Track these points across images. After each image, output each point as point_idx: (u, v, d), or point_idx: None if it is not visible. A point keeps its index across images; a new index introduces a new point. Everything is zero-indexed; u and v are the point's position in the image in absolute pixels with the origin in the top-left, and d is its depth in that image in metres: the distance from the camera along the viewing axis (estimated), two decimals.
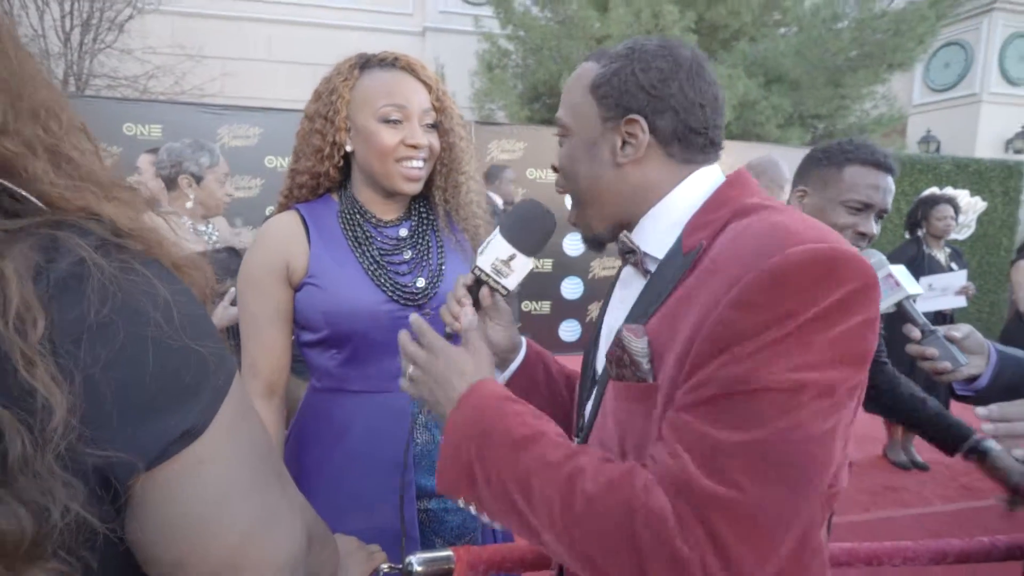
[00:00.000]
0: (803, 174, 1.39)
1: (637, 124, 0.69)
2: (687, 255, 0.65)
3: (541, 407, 0.75)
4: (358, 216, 1.06)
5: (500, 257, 0.79)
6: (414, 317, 0.78)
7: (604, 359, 0.70)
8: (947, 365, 1.10)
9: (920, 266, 3.40)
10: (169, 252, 0.46)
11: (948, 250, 3.55)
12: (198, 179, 2.01)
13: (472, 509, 0.66)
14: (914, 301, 1.20)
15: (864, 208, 1.28)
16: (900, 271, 1.21)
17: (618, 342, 0.64)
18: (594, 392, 0.75)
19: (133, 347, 0.40)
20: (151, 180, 2.40)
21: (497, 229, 0.80)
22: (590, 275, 5.79)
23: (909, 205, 3.78)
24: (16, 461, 0.35)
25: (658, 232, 0.71)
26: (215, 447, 0.43)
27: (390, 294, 1.02)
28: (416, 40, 10.77)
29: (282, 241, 1.01)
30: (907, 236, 3.65)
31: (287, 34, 10.29)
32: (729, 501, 0.52)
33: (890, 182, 1.30)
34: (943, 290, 3.32)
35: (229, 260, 2.07)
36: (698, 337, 0.57)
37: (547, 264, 5.69)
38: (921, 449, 3.82)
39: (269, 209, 4.83)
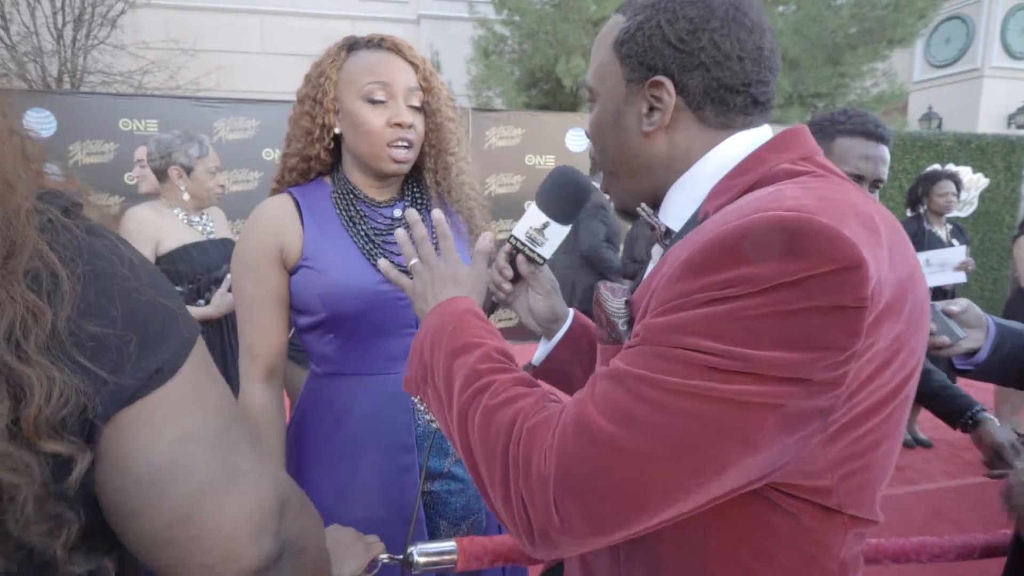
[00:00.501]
0: None
1: (663, 86, 0.62)
2: (699, 220, 0.59)
3: (585, 378, 0.77)
4: (351, 196, 1.06)
5: (534, 226, 0.78)
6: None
7: None
8: (945, 339, 1.09)
9: (921, 243, 3.39)
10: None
11: (950, 227, 3.53)
12: (188, 170, 2.01)
13: (422, 407, 0.69)
14: None
15: (857, 179, 1.25)
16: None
17: (596, 300, 0.62)
18: None
19: (104, 299, 0.41)
20: (146, 171, 2.40)
21: (535, 199, 0.80)
22: None
23: (911, 182, 3.75)
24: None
25: (679, 204, 0.65)
26: (181, 395, 0.44)
27: (417, 259, 1.02)
28: (411, 28, 10.68)
29: (275, 224, 1.01)
30: (908, 213, 3.63)
31: (281, 25, 10.22)
32: (602, 446, 0.48)
33: (883, 151, 1.27)
34: (941, 265, 3.31)
35: (226, 250, 2.08)
36: (649, 294, 0.54)
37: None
38: (924, 427, 3.83)
39: None
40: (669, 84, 0.62)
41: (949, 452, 3.53)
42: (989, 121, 10.29)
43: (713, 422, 0.47)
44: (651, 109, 0.63)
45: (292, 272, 1.02)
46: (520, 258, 0.80)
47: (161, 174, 2.01)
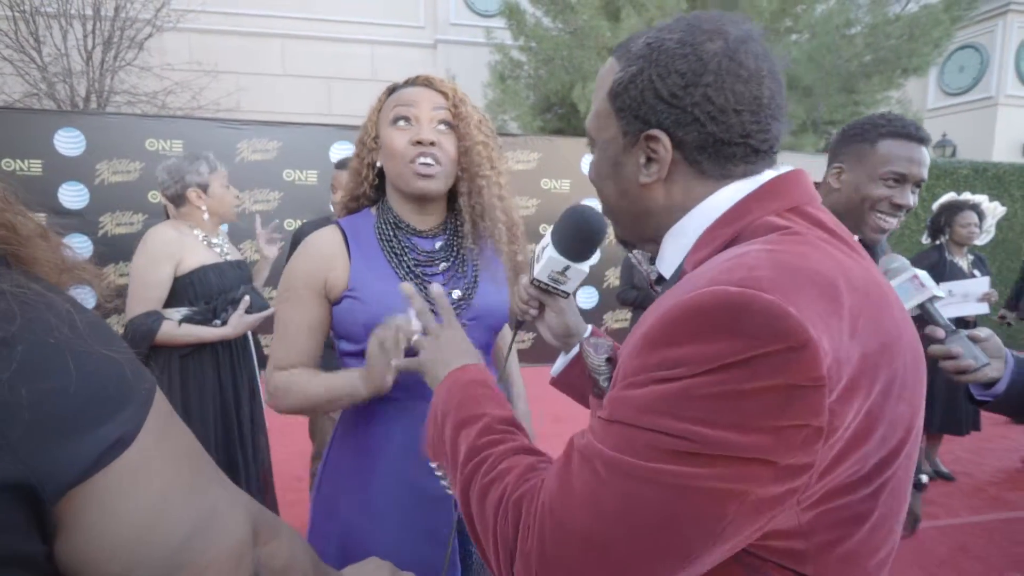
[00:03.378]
0: (837, 151, 1.41)
1: (659, 140, 0.60)
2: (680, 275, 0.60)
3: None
4: (393, 227, 1.08)
5: (555, 269, 0.82)
6: (434, 288, 0.88)
7: None
8: (971, 363, 1.11)
9: (942, 273, 3.36)
10: (50, 262, 0.46)
11: (971, 257, 3.51)
12: (204, 188, 2.01)
13: (439, 473, 0.74)
14: (935, 303, 1.22)
15: (900, 180, 1.30)
16: (923, 274, 1.23)
17: (580, 355, 0.65)
18: None
19: (48, 361, 0.38)
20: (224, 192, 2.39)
21: (549, 239, 0.82)
22: (605, 284, 5.79)
23: (926, 210, 3.74)
24: None
25: (672, 252, 0.64)
26: (149, 454, 0.43)
27: (428, 304, 1.03)
28: (428, 52, 10.88)
29: (324, 257, 1.04)
30: (926, 241, 3.61)
31: (300, 48, 10.44)
32: (576, 538, 0.49)
33: (924, 153, 1.31)
34: (964, 296, 3.28)
35: (241, 272, 2.10)
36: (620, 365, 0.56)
37: None
38: (945, 460, 3.76)
39: (288, 222, 4.91)
40: (665, 138, 0.60)
41: (971, 486, 3.46)
42: (1004, 149, 10.26)
43: (676, 512, 0.46)
44: (648, 160, 0.62)
45: (338, 301, 1.04)
46: (534, 290, 0.86)
47: (179, 199, 2.00)
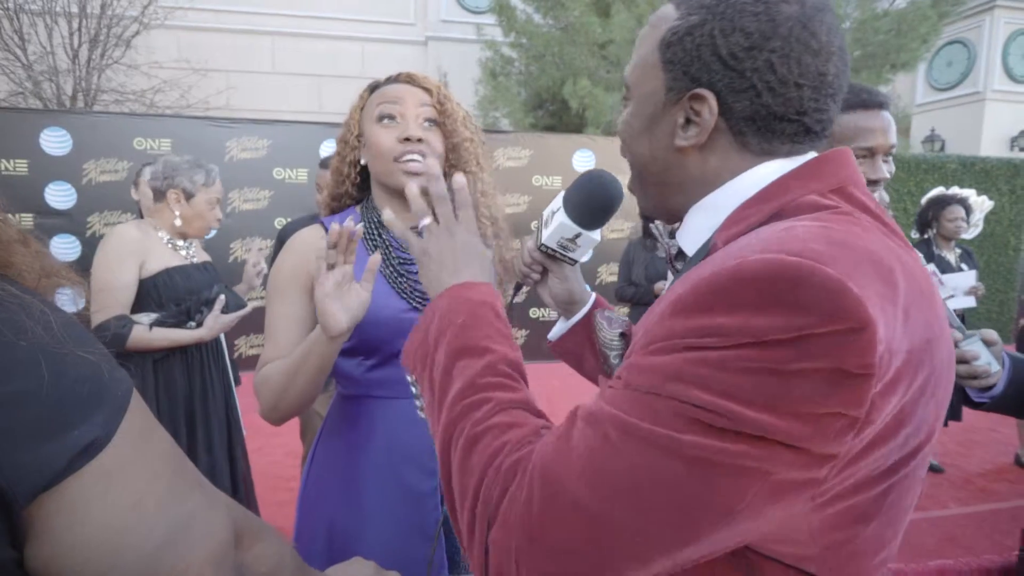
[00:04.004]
0: None
1: (704, 101, 0.54)
2: (713, 247, 0.55)
3: (596, 362, 0.78)
4: (378, 226, 1.08)
5: (565, 235, 0.77)
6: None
7: None
8: (988, 368, 1.06)
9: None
10: (29, 267, 0.44)
11: (959, 251, 3.54)
12: (188, 196, 1.94)
13: (413, 390, 0.66)
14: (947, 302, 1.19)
15: (869, 154, 1.20)
16: (938, 270, 1.19)
17: (591, 328, 0.59)
18: None
19: (20, 362, 0.37)
20: (145, 190, 2.26)
21: (560, 203, 0.77)
22: (597, 280, 5.80)
23: (915, 205, 3.77)
24: None
25: (696, 227, 0.59)
26: (125, 457, 0.42)
27: (412, 302, 1.04)
28: (419, 50, 10.84)
29: (308, 253, 1.04)
30: (915, 236, 3.65)
31: (290, 46, 10.38)
32: (568, 506, 0.45)
33: (887, 118, 1.22)
34: (952, 290, 3.32)
35: (207, 274, 2.04)
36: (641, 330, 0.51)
37: None
38: (934, 453, 3.80)
39: (278, 221, 4.88)
40: (712, 100, 0.54)
41: (960, 478, 3.50)
42: (991, 144, 10.35)
43: (691, 488, 0.42)
44: (688, 122, 0.56)
45: None
46: (539, 255, 0.82)
47: (159, 194, 1.94)
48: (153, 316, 1.87)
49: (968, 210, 3.43)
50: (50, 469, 0.38)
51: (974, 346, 1.08)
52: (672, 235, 0.65)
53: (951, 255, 3.48)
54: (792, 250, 0.43)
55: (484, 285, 0.64)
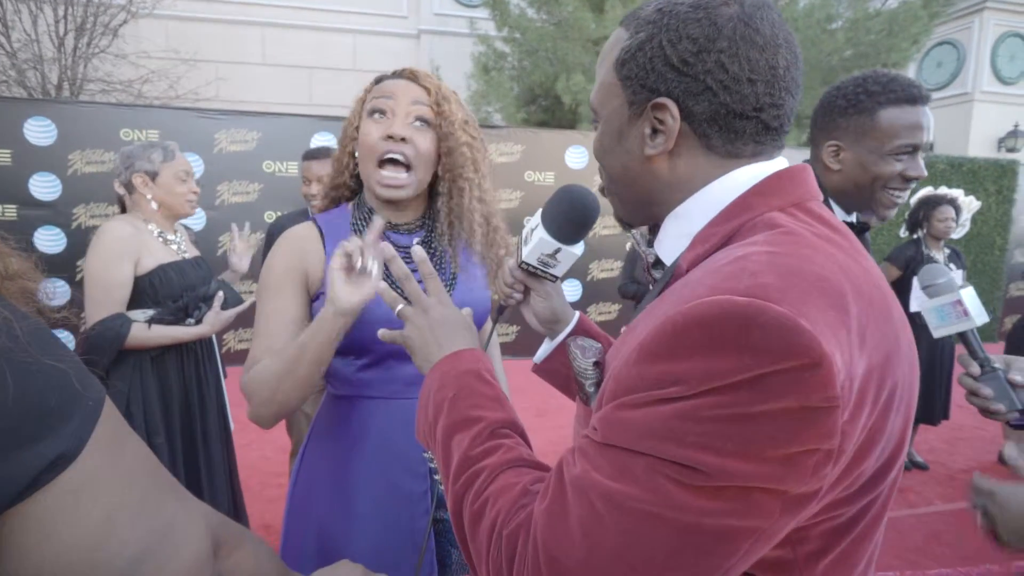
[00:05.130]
0: (827, 126, 1.25)
1: (666, 109, 0.57)
2: (675, 270, 0.57)
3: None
4: (368, 223, 1.06)
5: (545, 252, 0.77)
6: (417, 250, 0.77)
7: None
8: (1001, 407, 0.99)
9: (919, 267, 3.42)
10: None
11: (947, 251, 3.57)
12: (153, 175, 1.88)
13: (432, 465, 0.69)
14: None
15: (912, 151, 1.17)
16: (969, 297, 1.07)
17: (566, 350, 0.59)
18: None
19: None
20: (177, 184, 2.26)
21: (539, 220, 0.78)
22: (589, 277, 5.80)
23: (905, 204, 3.80)
24: None
25: (672, 235, 0.61)
26: (95, 470, 0.40)
27: (405, 300, 1.01)
28: (411, 43, 10.76)
29: (301, 250, 1.02)
30: (903, 235, 3.67)
31: (281, 37, 10.26)
32: (554, 541, 0.47)
33: (927, 115, 1.18)
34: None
35: (201, 270, 2.01)
36: (613, 374, 0.51)
37: None
38: (920, 449, 3.84)
39: (267, 214, 4.83)
40: (673, 107, 0.57)
41: (945, 475, 3.54)
42: (979, 144, 10.45)
43: (682, 553, 0.43)
44: (654, 132, 0.59)
45: (314, 299, 1.02)
46: (520, 273, 0.82)
47: (129, 186, 1.89)
48: (149, 313, 1.84)
49: (958, 211, 3.45)
50: (15, 485, 0.36)
51: (990, 384, 1.00)
52: (650, 243, 0.66)
53: (940, 255, 3.51)
54: (741, 288, 0.44)
55: (467, 352, 0.69)
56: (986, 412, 1.01)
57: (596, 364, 0.57)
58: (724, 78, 0.55)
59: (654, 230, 0.66)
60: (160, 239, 1.91)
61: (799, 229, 0.52)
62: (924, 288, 1.12)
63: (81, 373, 0.41)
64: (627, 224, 0.69)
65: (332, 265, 0.85)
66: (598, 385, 0.56)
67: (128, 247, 1.79)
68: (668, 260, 0.62)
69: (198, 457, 1.93)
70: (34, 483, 0.37)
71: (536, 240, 0.77)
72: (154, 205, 1.90)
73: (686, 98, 0.56)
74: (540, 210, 0.79)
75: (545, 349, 0.88)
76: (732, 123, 0.57)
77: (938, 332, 1.09)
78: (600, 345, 0.60)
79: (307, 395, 0.94)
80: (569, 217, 0.76)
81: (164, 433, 1.85)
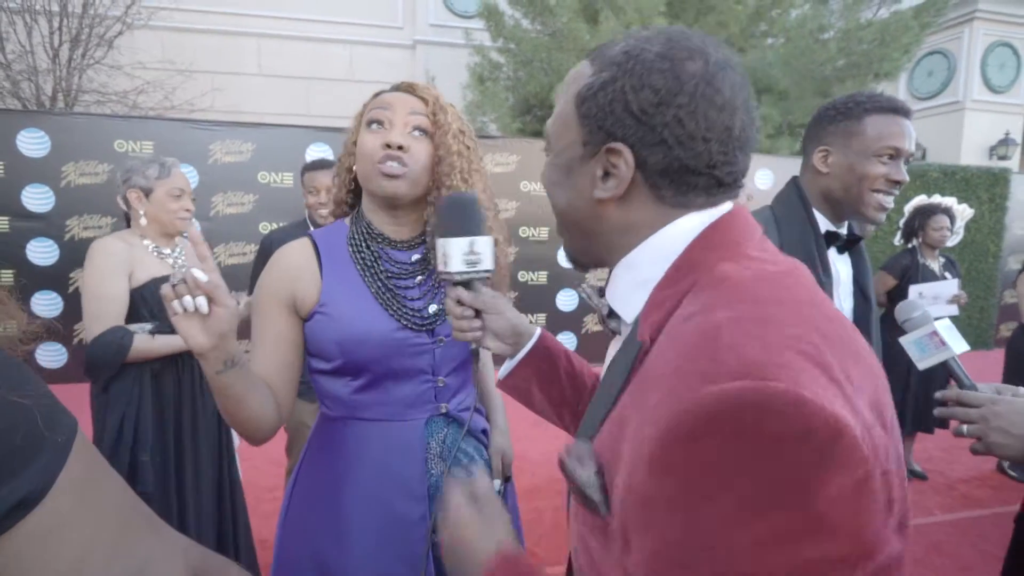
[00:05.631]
0: (818, 134, 1.35)
1: (621, 155, 0.56)
2: (638, 342, 0.54)
3: (546, 399, 0.85)
4: (366, 239, 1.05)
5: (463, 252, 0.82)
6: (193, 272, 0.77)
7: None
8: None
9: (915, 276, 3.43)
10: None
11: (942, 259, 3.58)
12: (147, 192, 1.88)
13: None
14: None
15: (895, 155, 1.27)
16: (945, 327, 1.13)
17: (562, 470, 0.54)
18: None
19: None
20: (170, 201, 2.26)
21: (442, 240, 0.84)
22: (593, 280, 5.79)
23: (898, 212, 3.81)
24: None
25: (625, 288, 0.60)
26: (63, 513, 0.38)
27: (402, 320, 1.00)
28: (407, 53, 10.80)
29: (291, 271, 1.00)
30: (899, 243, 3.68)
31: (277, 48, 10.29)
32: None
33: (910, 127, 1.29)
34: (934, 299, 3.35)
35: None
36: (626, 487, 0.47)
37: (542, 276, 5.69)
38: (919, 458, 3.83)
39: (263, 225, 4.81)
40: (628, 155, 0.56)
41: (944, 484, 3.53)
42: (971, 152, 10.54)
43: None
44: (606, 174, 0.58)
45: (308, 318, 1.00)
46: (465, 292, 0.84)
47: (126, 201, 1.90)
48: (148, 326, 1.83)
49: (953, 220, 3.47)
50: None
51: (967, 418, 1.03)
52: (601, 293, 0.66)
53: (935, 264, 3.52)
54: (730, 370, 0.42)
55: (502, 558, 0.63)
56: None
57: (598, 472, 0.53)
58: (680, 133, 0.55)
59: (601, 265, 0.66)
60: (155, 253, 1.91)
61: (748, 280, 0.52)
62: (902, 323, 1.19)
63: (50, 408, 0.39)
64: (579, 264, 0.68)
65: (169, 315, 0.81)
66: (604, 488, 0.51)
67: (119, 261, 1.80)
68: (626, 315, 0.60)
69: (185, 474, 1.90)
70: None
71: (452, 248, 0.82)
72: (143, 221, 1.90)
73: (641, 147, 0.56)
74: (440, 241, 0.84)
75: (507, 367, 0.89)
76: (685, 177, 0.57)
77: (921, 364, 1.15)
78: (590, 447, 0.55)
79: (254, 426, 0.92)
80: (457, 213, 0.83)
81: (158, 450, 1.83)
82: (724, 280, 0.52)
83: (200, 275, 0.78)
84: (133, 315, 1.83)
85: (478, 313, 0.86)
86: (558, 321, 5.75)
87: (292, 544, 1.02)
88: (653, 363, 0.51)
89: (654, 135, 0.55)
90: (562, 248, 0.69)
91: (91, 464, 0.42)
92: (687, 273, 0.55)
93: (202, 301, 0.78)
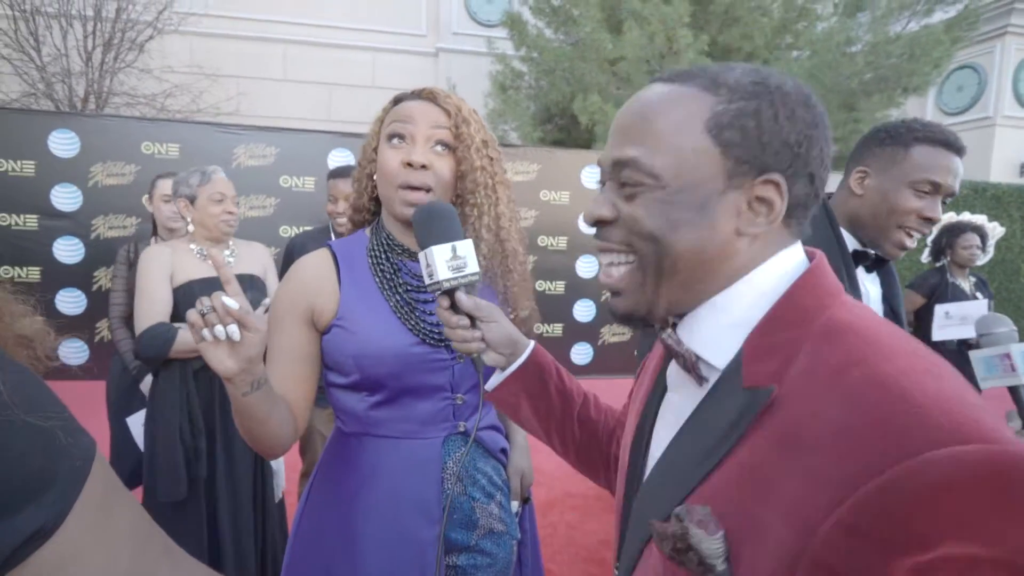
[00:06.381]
0: (862, 153, 1.31)
1: (775, 187, 0.54)
2: (751, 392, 0.50)
3: (534, 414, 0.84)
4: (386, 251, 1.02)
5: (446, 258, 0.82)
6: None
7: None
8: None
9: (944, 295, 3.34)
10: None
11: (973, 279, 3.48)
12: (192, 199, 1.99)
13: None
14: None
15: (933, 190, 1.20)
16: (1020, 353, 1.07)
17: (681, 535, 0.49)
18: (633, 529, 0.60)
19: None
20: (162, 205, 2.41)
21: (424, 251, 0.83)
22: (603, 297, 5.74)
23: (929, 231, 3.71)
24: None
25: (712, 331, 0.56)
26: (80, 540, 0.36)
27: (420, 336, 0.98)
28: (429, 61, 10.88)
29: (309, 283, 0.98)
30: (927, 260, 3.59)
31: (302, 54, 10.43)
32: None
33: (959, 165, 1.22)
34: (962, 319, 3.25)
35: (248, 286, 2.05)
36: (802, 561, 0.41)
37: (559, 286, 5.65)
38: None
39: (283, 229, 4.85)
40: (784, 186, 0.54)
41: None
42: (1001, 169, 10.30)
43: None
44: (748, 207, 0.55)
45: (326, 331, 0.99)
46: (460, 293, 0.83)
47: (151, 201, 2.08)
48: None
49: (984, 238, 3.37)
50: None
51: None
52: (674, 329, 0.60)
53: (965, 283, 3.42)
54: (953, 431, 0.38)
55: None
56: None
57: (724, 537, 0.48)
58: (820, 167, 0.55)
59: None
60: (199, 256, 1.99)
61: (871, 326, 0.49)
62: (980, 336, 1.12)
63: (69, 428, 0.37)
64: (640, 319, 0.60)
65: (196, 341, 0.78)
66: (728, 557, 0.47)
67: (162, 264, 1.92)
68: (715, 359, 0.55)
69: (221, 474, 1.94)
70: (12, 558, 0.33)
71: (434, 258, 0.82)
72: (190, 227, 2.00)
73: (792, 179, 0.55)
74: (421, 254, 0.84)
75: (496, 379, 0.88)
76: (809, 210, 0.57)
77: (984, 384, 1.09)
78: (707, 509, 0.49)
79: (272, 443, 0.90)
80: (433, 220, 0.83)
81: (212, 440, 1.92)
82: (848, 328, 0.49)
83: (230, 302, 0.75)
84: (175, 315, 1.92)
85: (473, 322, 0.85)
86: (575, 332, 5.70)
87: (303, 560, 1.00)
88: (802, 419, 0.45)
89: (805, 167, 0.55)
90: (618, 303, 0.61)
91: (108, 487, 0.40)
92: (797, 319, 0.52)
93: (234, 329, 0.75)
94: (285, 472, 2.96)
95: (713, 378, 0.56)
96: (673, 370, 0.64)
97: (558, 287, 5.61)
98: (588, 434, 0.87)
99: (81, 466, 0.38)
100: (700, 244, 0.56)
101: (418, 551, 0.96)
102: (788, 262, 0.56)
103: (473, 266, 0.83)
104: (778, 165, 0.54)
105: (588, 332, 5.73)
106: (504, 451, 1.12)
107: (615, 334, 5.82)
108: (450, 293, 0.83)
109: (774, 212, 0.55)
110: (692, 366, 0.57)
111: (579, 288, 5.66)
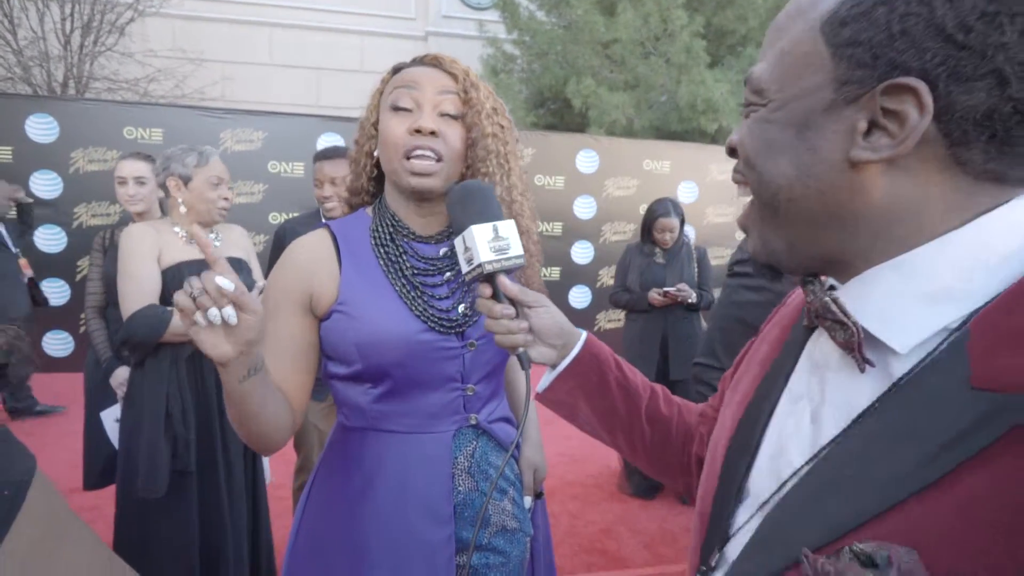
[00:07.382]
0: None
1: (912, 95, 0.38)
2: (981, 394, 0.35)
3: (595, 415, 0.74)
4: (390, 231, 0.95)
5: (488, 239, 0.73)
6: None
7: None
8: None
9: None
10: None
11: None
12: (185, 180, 1.87)
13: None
14: None
15: None
16: None
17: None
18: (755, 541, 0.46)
19: None
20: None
21: (462, 233, 0.75)
22: (598, 284, 5.69)
23: None
24: None
25: (895, 301, 0.42)
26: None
27: (428, 322, 0.90)
28: (419, 44, 10.70)
29: (306, 266, 0.90)
30: None
31: (288, 38, 10.22)
32: None
33: None
34: None
35: (239, 270, 1.97)
36: None
37: (554, 272, 5.59)
38: None
39: (272, 215, 4.74)
40: (925, 93, 0.38)
41: None
42: None
43: None
44: (871, 128, 0.41)
45: (325, 317, 0.91)
46: (501, 278, 0.73)
47: (164, 187, 1.90)
48: None
49: None
50: None
51: None
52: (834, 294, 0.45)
53: None
54: None
55: None
56: None
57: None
58: (1012, 62, 0.36)
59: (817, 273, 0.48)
60: (184, 239, 1.89)
61: None
62: None
63: (8, 446, 0.31)
64: (786, 264, 0.48)
65: (186, 327, 0.71)
66: None
67: (148, 244, 1.82)
68: (897, 342, 0.41)
69: (219, 465, 1.88)
70: None
71: (476, 238, 0.73)
72: (183, 209, 1.88)
73: (951, 82, 0.37)
74: (458, 238, 0.76)
75: (547, 378, 0.77)
76: (1016, 132, 0.38)
77: None
78: (916, 553, 0.36)
79: (268, 438, 0.83)
80: (471, 199, 0.75)
81: (204, 431, 1.84)
82: None
83: (224, 282, 0.67)
84: (164, 300, 1.81)
85: (517, 312, 0.74)
86: (570, 318, 5.61)
87: (303, 566, 0.93)
88: None
89: (980, 63, 0.37)
90: (749, 244, 0.50)
91: (49, 521, 0.33)
92: None
93: (230, 312, 0.68)
94: (276, 464, 2.87)
95: (889, 365, 0.42)
96: (816, 343, 0.50)
97: (553, 273, 5.55)
98: (660, 434, 0.76)
99: (11, 496, 0.31)
100: (801, 174, 0.44)
101: (428, 553, 0.89)
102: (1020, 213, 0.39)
103: (517, 248, 0.74)
104: (920, 65, 0.38)
105: (583, 319, 5.68)
106: (516, 444, 1.05)
107: (610, 320, 5.78)
108: (490, 279, 0.74)
109: (906, 131, 0.39)
110: (857, 344, 0.42)
111: (574, 274, 5.61)
